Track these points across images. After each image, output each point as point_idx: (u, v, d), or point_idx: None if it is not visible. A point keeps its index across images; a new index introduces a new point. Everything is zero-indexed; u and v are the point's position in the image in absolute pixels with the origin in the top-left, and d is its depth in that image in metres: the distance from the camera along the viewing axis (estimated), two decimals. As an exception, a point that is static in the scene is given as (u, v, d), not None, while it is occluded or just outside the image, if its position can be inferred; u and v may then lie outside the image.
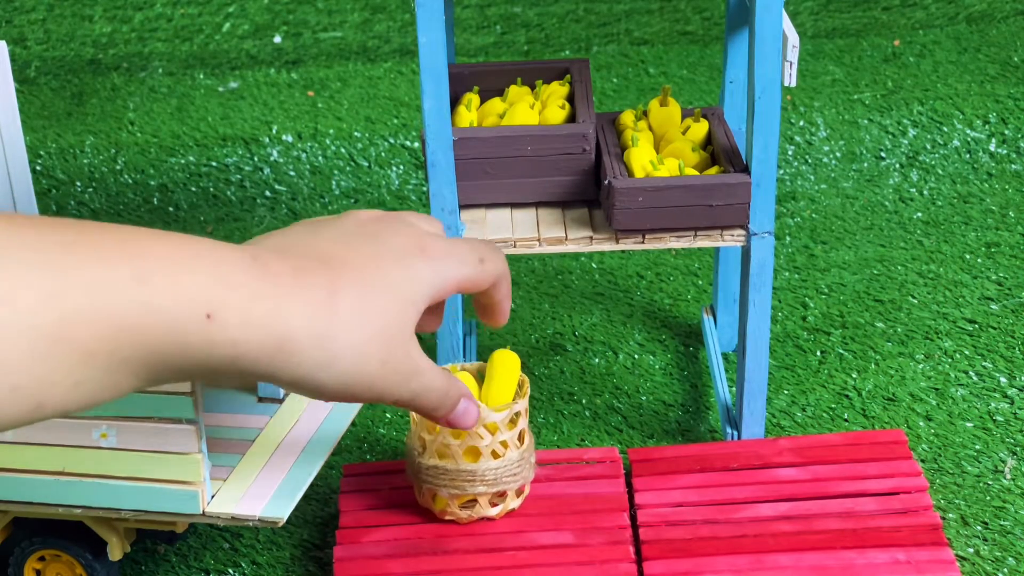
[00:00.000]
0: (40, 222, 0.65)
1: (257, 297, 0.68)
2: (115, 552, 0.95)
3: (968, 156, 1.61)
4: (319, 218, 0.79)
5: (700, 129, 1.11)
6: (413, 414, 1.01)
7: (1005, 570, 0.99)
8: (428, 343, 1.32)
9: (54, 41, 1.96)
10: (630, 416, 1.19)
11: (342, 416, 1.01)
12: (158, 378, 0.68)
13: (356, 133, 1.67)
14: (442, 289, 0.77)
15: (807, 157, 1.62)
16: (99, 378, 0.65)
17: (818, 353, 1.26)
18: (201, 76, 1.86)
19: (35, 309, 0.61)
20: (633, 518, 1.01)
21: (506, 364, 1.01)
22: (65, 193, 1.63)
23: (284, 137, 1.67)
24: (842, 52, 1.83)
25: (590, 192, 1.08)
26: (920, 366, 1.23)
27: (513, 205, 1.09)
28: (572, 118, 1.11)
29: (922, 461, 1.11)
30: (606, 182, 1.03)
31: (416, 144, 1.66)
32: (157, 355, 0.66)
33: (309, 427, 0.99)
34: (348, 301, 0.71)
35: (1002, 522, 1.04)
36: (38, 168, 1.65)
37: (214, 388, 0.73)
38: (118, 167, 1.65)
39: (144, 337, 0.65)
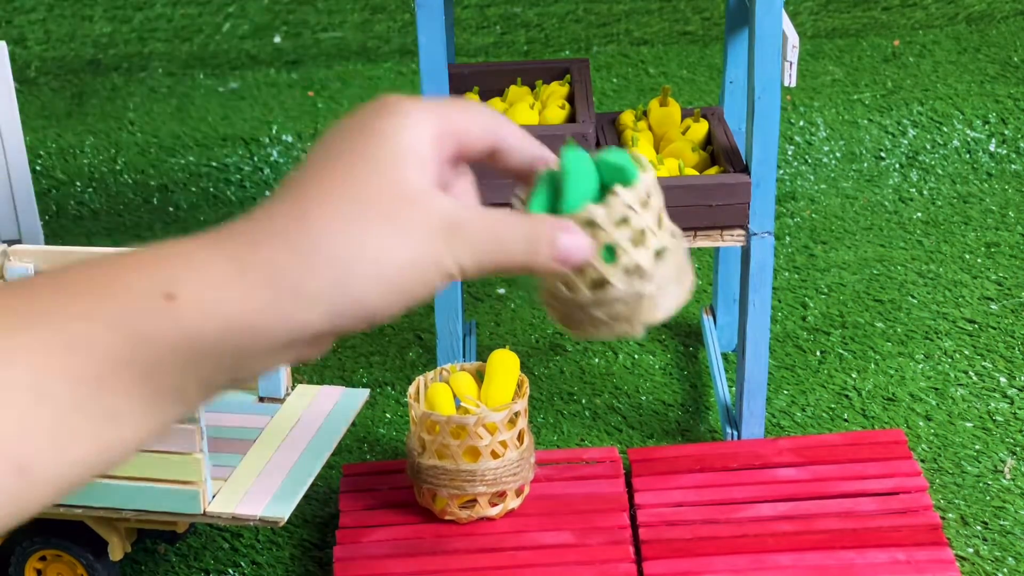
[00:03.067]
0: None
1: (224, 259, 0.61)
2: (116, 552, 0.95)
3: (968, 156, 1.61)
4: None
5: (700, 129, 1.11)
6: (412, 414, 1.01)
7: (1005, 570, 0.99)
8: (428, 343, 1.32)
9: (54, 41, 1.96)
10: (630, 416, 1.19)
11: (342, 416, 1.01)
12: (177, 390, 0.64)
13: (356, 133, 1.67)
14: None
15: (807, 157, 1.62)
16: (85, 419, 0.61)
17: (818, 353, 1.26)
18: (201, 76, 1.86)
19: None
20: (633, 518, 1.01)
21: (505, 364, 1.01)
22: (65, 193, 1.63)
23: (284, 137, 1.67)
24: (842, 52, 1.83)
25: (590, 192, 1.08)
26: (920, 366, 1.23)
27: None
28: (572, 118, 1.11)
29: (922, 461, 1.11)
30: (606, 182, 1.03)
31: (416, 144, 1.66)
32: (146, 367, 0.62)
33: (309, 427, 0.99)
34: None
35: (1002, 522, 1.04)
36: (38, 168, 1.65)
37: (240, 385, 0.70)
38: (118, 167, 1.65)
39: (107, 357, 0.58)
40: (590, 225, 0.80)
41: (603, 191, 0.81)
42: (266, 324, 0.62)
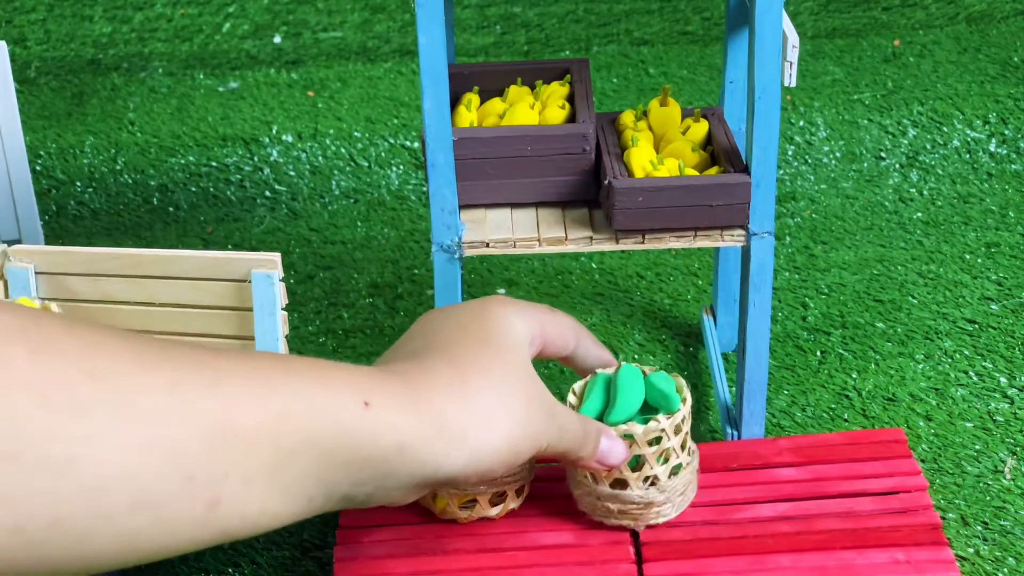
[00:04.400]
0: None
1: (402, 391, 0.73)
2: (115, 552, 0.95)
3: (968, 156, 1.61)
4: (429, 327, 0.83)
5: (700, 129, 1.11)
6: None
7: (1005, 570, 0.99)
8: (428, 343, 1.31)
9: (54, 41, 1.96)
10: (630, 416, 1.19)
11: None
12: (331, 486, 0.69)
13: (356, 133, 1.67)
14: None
15: (807, 157, 1.62)
16: (269, 480, 0.65)
17: (818, 353, 1.26)
18: (201, 76, 1.86)
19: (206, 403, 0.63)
20: (633, 518, 1.01)
21: (506, 364, 1.01)
22: (65, 193, 1.63)
23: (284, 137, 1.67)
24: (842, 52, 1.83)
25: (590, 192, 1.08)
26: (920, 366, 1.23)
27: (513, 205, 1.09)
28: (572, 118, 1.11)
29: (922, 461, 1.11)
30: (606, 182, 1.03)
31: (416, 144, 1.66)
32: (326, 453, 0.67)
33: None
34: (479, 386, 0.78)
35: (1002, 522, 1.04)
36: (38, 168, 1.65)
37: (384, 502, 0.75)
38: (118, 167, 1.65)
39: (307, 433, 0.66)
40: (627, 437, 0.90)
41: (646, 407, 0.92)
42: (423, 455, 0.74)
